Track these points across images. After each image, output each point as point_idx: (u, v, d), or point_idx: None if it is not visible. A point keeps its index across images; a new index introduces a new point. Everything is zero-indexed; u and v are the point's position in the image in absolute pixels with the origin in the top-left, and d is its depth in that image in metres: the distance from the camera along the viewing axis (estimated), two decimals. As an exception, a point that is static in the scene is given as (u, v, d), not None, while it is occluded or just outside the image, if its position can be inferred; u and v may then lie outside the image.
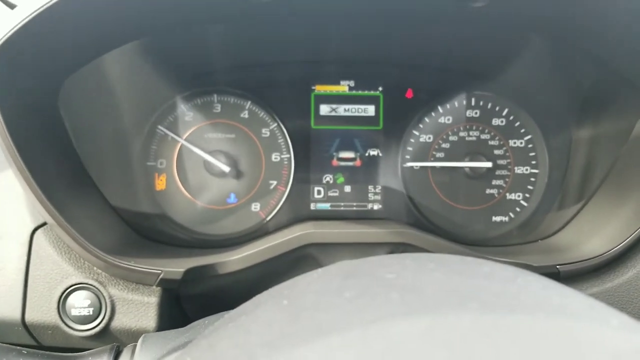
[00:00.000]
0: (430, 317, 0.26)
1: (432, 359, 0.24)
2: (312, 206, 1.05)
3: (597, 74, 0.92)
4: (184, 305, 0.90)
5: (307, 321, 0.30)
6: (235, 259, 0.84)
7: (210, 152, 1.01)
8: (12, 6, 0.61)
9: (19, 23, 0.60)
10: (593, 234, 0.92)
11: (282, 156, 1.04)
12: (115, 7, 0.68)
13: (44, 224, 0.79)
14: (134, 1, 0.69)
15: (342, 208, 1.06)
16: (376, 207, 1.06)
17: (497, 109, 1.07)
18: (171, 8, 0.74)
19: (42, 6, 0.60)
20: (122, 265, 0.76)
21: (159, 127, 1.01)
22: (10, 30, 0.61)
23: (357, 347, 0.25)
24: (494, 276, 0.35)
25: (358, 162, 1.06)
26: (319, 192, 1.05)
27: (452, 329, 0.26)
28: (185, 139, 1.01)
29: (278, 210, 1.04)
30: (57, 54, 0.72)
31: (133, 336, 0.79)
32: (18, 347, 0.56)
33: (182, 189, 1.02)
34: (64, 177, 0.79)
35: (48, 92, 0.75)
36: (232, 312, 0.41)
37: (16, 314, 0.77)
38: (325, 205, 1.05)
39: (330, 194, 1.06)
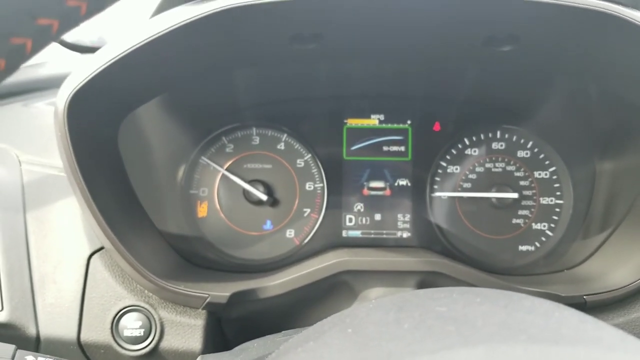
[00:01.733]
0: (486, 347, 0.31)
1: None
2: (344, 233, 1.10)
3: (618, 110, 0.96)
4: (224, 328, 0.95)
5: (376, 349, 0.34)
6: (276, 284, 0.89)
7: (248, 182, 1.07)
8: (92, 50, 0.69)
9: (91, 74, 0.68)
10: (619, 265, 0.95)
11: (316, 185, 1.10)
12: (171, 57, 0.76)
13: (100, 249, 0.86)
14: (188, 52, 0.76)
15: (372, 236, 1.10)
16: (405, 235, 1.10)
17: (522, 141, 1.11)
18: (217, 56, 0.82)
19: (112, 59, 0.68)
20: (172, 289, 0.81)
21: (202, 157, 1.08)
22: (85, 78, 0.68)
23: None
24: (535, 310, 0.40)
25: (388, 192, 1.11)
26: (350, 220, 1.10)
27: (507, 357, 0.30)
28: (226, 169, 1.08)
29: (312, 237, 1.09)
30: (119, 99, 0.79)
31: (180, 357, 0.84)
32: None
33: (222, 216, 1.08)
34: (122, 208, 0.85)
35: (110, 130, 0.83)
36: (296, 338, 0.46)
37: (72, 334, 0.83)
38: (356, 233, 1.10)
39: (361, 221, 1.10)
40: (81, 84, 0.69)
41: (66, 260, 0.85)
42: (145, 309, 0.83)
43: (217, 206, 1.08)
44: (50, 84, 1.26)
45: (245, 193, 1.07)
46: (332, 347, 0.38)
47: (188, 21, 0.65)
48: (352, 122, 1.12)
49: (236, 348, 0.69)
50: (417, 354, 0.32)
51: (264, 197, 1.06)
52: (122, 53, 0.68)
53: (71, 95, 0.69)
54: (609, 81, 0.90)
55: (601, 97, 0.96)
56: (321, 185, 1.10)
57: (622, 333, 0.38)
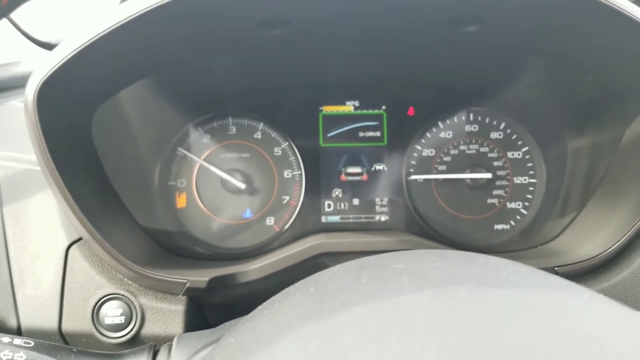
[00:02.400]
0: (432, 291, 0.33)
1: (435, 324, 0.30)
2: (323, 219, 1.12)
3: (587, 89, 0.98)
4: (206, 313, 0.96)
5: (332, 301, 0.36)
6: (254, 268, 0.91)
7: (226, 171, 1.08)
8: (50, 47, 0.70)
9: (59, 63, 0.68)
10: (589, 238, 0.97)
11: (294, 173, 1.11)
12: (138, 46, 0.77)
13: (78, 240, 0.86)
14: (155, 40, 0.77)
15: (351, 220, 1.12)
16: (383, 218, 1.12)
17: (494, 123, 1.14)
18: (185, 44, 0.83)
19: (78, 47, 0.69)
20: (152, 275, 0.82)
21: (179, 149, 1.09)
22: (53, 68, 0.69)
23: (376, 316, 0.32)
24: (488, 264, 0.42)
25: (365, 177, 1.13)
26: (329, 206, 1.12)
27: (451, 300, 0.32)
28: (204, 159, 1.09)
29: (291, 224, 1.10)
30: (90, 88, 0.80)
31: (162, 342, 0.84)
32: (68, 347, 0.62)
33: (202, 206, 1.09)
34: (98, 198, 0.86)
35: (82, 121, 0.83)
36: (264, 304, 0.47)
37: (53, 324, 0.83)
38: (335, 218, 1.12)
39: (340, 207, 1.12)
40: (49, 74, 0.69)
41: (45, 252, 0.86)
42: (126, 296, 0.84)
43: (196, 196, 1.09)
44: (24, 82, 1.26)
45: (224, 182, 1.08)
46: (294, 305, 0.39)
47: (153, 7, 0.66)
48: (328, 109, 1.13)
49: (217, 327, 0.70)
50: (369, 300, 0.33)
51: (243, 186, 1.07)
52: (88, 41, 0.68)
53: (40, 84, 0.70)
54: (576, 63, 0.92)
55: (570, 77, 0.98)
56: (299, 172, 1.11)
57: (569, 281, 0.40)
